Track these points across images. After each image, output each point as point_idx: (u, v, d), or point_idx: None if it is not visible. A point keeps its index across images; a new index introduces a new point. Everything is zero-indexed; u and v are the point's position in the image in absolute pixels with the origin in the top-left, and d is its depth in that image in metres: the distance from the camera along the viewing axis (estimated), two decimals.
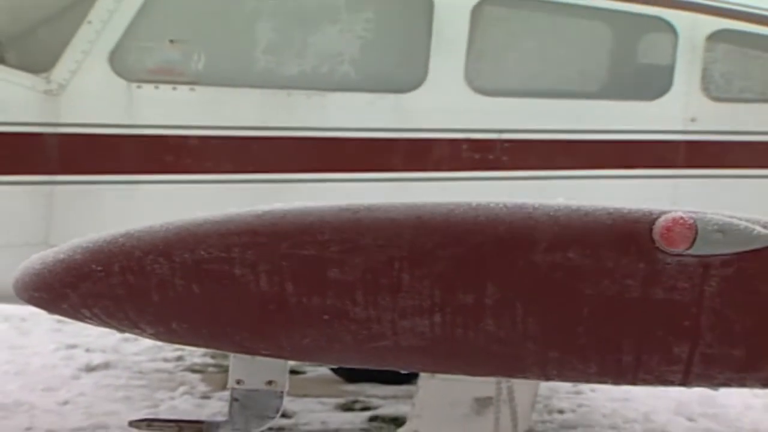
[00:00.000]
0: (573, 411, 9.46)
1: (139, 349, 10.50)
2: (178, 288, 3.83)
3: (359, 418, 9.22)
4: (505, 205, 3.98)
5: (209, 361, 10.12)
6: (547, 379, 4.98)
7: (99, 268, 3.82)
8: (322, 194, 6.46)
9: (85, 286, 3.85)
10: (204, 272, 3.81)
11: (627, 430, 9.08)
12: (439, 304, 3.79)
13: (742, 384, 4.34)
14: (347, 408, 9.43)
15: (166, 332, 4.07)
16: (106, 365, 10.32)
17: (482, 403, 5.65)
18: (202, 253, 3.79)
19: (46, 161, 7.07)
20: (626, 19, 7.59)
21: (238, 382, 6.68)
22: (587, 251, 3.78)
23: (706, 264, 3.72)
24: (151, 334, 4.11)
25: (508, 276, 3.82)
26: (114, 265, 3.83)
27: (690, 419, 9.27)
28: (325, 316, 3.83)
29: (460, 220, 3.95)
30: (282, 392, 6.72)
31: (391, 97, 7.28)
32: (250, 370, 6.68)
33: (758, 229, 3.72)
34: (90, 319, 4.02)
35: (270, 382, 6.68)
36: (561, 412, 9.42)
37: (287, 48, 7.56)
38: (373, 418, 9.16)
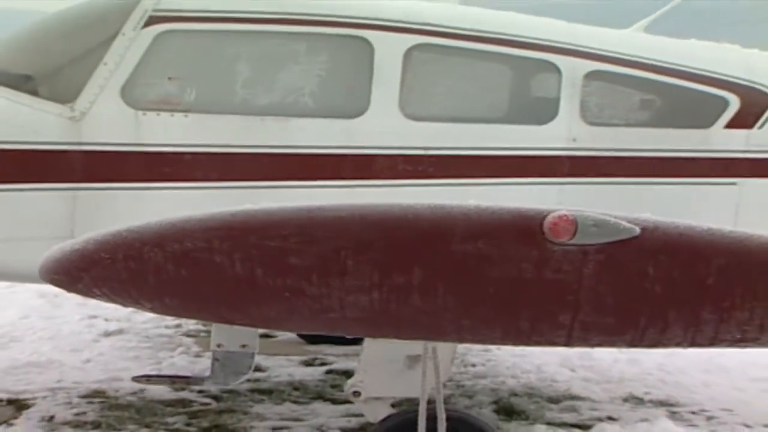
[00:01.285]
0: (483, 365, 9.46)
1: (146, 318, 10.41)
2: (170, 271, 3.80)
3: (318, 371, 9.22)
4: (429, 206, 3.97)
5: (201, 328, 10.03)
6: (462, 341, 4.98)
7: (107, 256, 3.79)
8: (287, 197, 6.42)
9: (96, 271, 3.81)
10: (190, 259, 3.78)
11: (524, 378, 9.08)
12: (377, 284, 3.77)
13: (612, 344, 4.35)
14: (308, 364, 9.43)
15: (160, 307, 4.04)
16: (120, 331, 10.29)
17: (413, 360, 5.61)
18: (189, 244, 3.77)
19: (71, 172, 7.01)
20: (523, 63, 7.58)
21: (218, 345, 6.71)
22: (493, 242, 3.78)
23: (584, 251, 3.72)
24: (149, 308, 4.07)
25: (430, 261, 3.81)
26: (119, 253, 3.79)
27: (572, 370, 9.33)
28: (287, 294, 3.81)
29: (394, 217, 3.94)
30: (253, 353, 6.72)
31: (341, 122, 7.22)
32: (228, 336, 6.67)
33: (624, 223, 3.74)
34: (100, 296, 3.98)
35: (244, 345, 6.69)
36: (473, 365, 9.42)
37: (260, 83, 7.54)
38: (329, 372, 9.18)
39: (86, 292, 3.94)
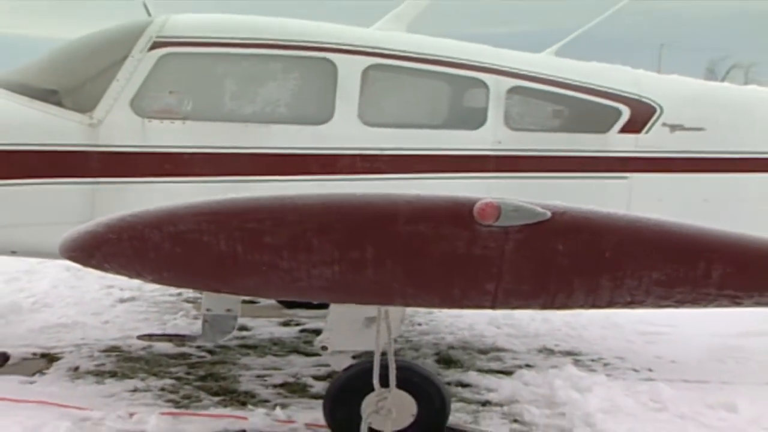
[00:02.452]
0: (426, 324, 9.43)
1: (153, 288, 10.23)
2: (166, 249, 3.74)
3: (293, 330, 9.15)
4: (379, 195, 3.92)
5: (198, 295, 9.91)
6: (408, 306, 4.94)
7: (114, 237, 3.73)
8: (266, 189, 6.35)
9: (105, 249, 3.75)
10: (183, 239, 3.73)
11: (459, 334, 9.07)
12: (337, 259, 3.74)
13: (528, 307, 4.33)
14: (286, 324, 9.34)
15: (160, 279, 4.00)
16: (132, 298, 10.19)
17: (369, 321, 5.56)
18: (182, 226, 3.72)
19: (90, 169, 6.98)
20: (457, 79, 7.57)
21: (208, 309, 6.66)
22: (431, 224, 3.74)
23: (506, 231, 3.68)
24: (150, 280, 4.03)
25: (381, 240, 3.76)
26: (124, 234, 3.73)
27: (497, 327, 9.30)
28: (263, 267, 3.77)
29: (350, 204, 3.91)
30: (236, 316, 6.68)
31: (310, 128, 7.20)
32: (215, 302, 6.62)
33: (538, 209, 3.72)
34: (110, 270, 3.93)
35: (228, 310, 6.65)
36: (419, 324, 9.38)
37: (244, 96, 7.50)
38: (302, 330, 9.11)
39: (98, 267, 3.90)
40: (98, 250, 3.76)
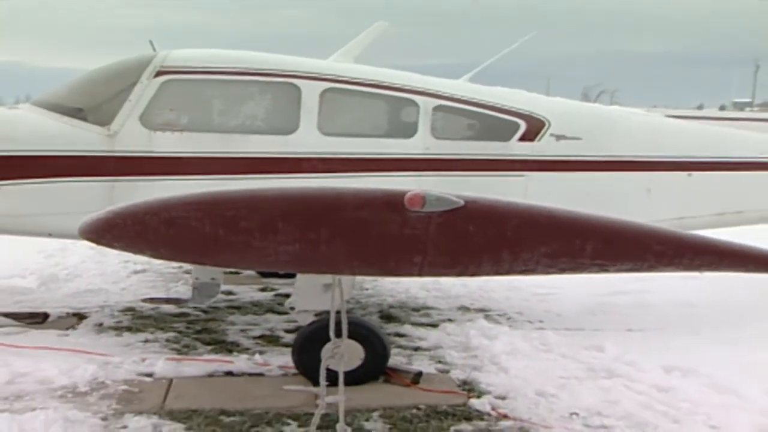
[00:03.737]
0: (372, 288, 9.36)
1: (160, 262, 10.03)
2: (162, 232, 3.66)
3: (269, 294, 9.05)
4: (331, 188, 3.89)
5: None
6: (355, 275, 4.89)
7: (120, 222, 3.65)
8: (246, 185, 6.29)
9: (113, 231, 3.67)
10: (175, 223, 3.64)
11: (398, 296, 9.05)
12: (298, 239, 3.68)
13: (447, 275, 4.31)
14: (263, 290, 9.23)
15: (157, 255, 3.91)
16: (144, 270, 10.00)
17: (326, 286, 5.52)
18: (174, 213, 3.64)
19: (108, 170, 6.92)
20: (395, 99, 7.54)
21: (196, 278, 6.58)
22: (371, 210, 3.70)
23: (429, 216, 3.65)
24: (150, 256, 3.94)
25: (332, 224, 3.71)
26: (128, 220, 3.66)
27: (427, 290, 9.25)
28: (240, 245, 3.70)
29: (308, 196, 3.86)
30: (219, 284, 6.62)
31: (281, 137, 7.14)
32: (202, 272, 6.56)
33: (454, 198, 3.67)
34: (119, 248, 3.86)
35: (213, 279, 6.57)
36: (366, 289, 9.32)
37: (229, 113, 7.42)
38: (276, 295, 8.98)
39: (109, 245, 3.81)
40: (108, 232, 3.67)
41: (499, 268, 3.94)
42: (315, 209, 3.69)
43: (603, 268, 3.86)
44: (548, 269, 3.94)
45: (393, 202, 3.61)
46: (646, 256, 3.79)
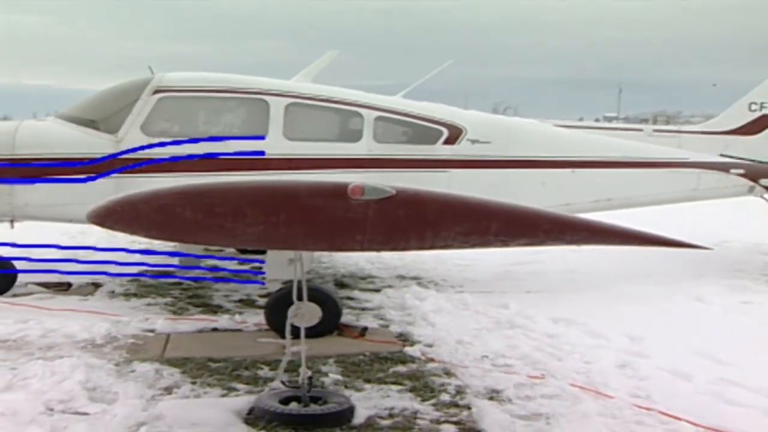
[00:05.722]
0: (328, 261, 9.24)
1: (160, 242, 9.85)
2: (152, 217, 3.53)
3: (247, 267, 8.84)
4: (290, 181, 3.83)
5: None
6: (311, 251, 4.81)
7: (119, 208, 3.50)
8: (226, 179, 6.20)
9: (113, 217, 3.52)
10: (163, 210, 3.51)
11: (349, 268, 8.93)
12: (262, 221, 3.55)
13: (383, 250, 4.24)
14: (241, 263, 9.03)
15: (149, 235, 3.78)
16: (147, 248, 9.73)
17: (291, 260, 5.32)
18: (162, 201, 3.50)
19: (116, 168, 6.84)
20: (343, 112, 7.49)
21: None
22: (321, 198, 3.60)
23: (368, 203, 3.56)
24: (143, 236, 3.78)
25: (289, 209, 3.59)
26: (125, 207, 3.51)
27: (371, 263, 9.12)
28: (216, 227, 3.56)
29: (270, 186, 3.78)
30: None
31: (254, 142, 7.04)
32: (191, 249, 6.40)
33: (388, 188, 3.58)
34: (117, 230, 3.71)
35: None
36: (323, 262, 9.19)
37: (213, 123, 7.32)
38: (254, 268, 8.77)
39: (110, 228, 3.68)
40: (108, 217, 3.52)
41: (423, 244, 3.88)
42: (276, 198, 3.59)
43: (505, 243, 3.83)
44: (463, 245, 3.89)
45: (339, 191, 3.52)
46: (538, 234, 3.75)
